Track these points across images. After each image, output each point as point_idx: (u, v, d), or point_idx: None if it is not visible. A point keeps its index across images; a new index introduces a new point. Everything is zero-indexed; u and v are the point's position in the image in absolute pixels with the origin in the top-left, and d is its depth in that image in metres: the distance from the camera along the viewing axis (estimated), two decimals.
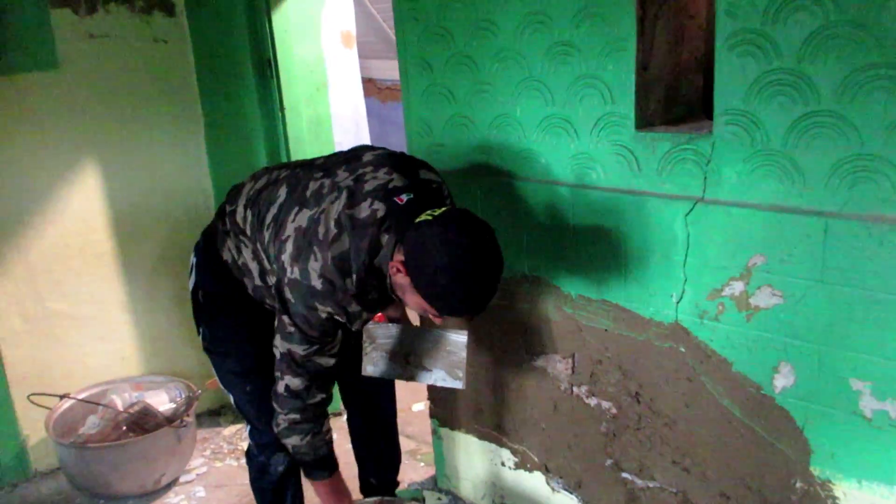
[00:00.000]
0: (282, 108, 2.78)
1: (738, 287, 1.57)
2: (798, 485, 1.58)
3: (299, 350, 1.66)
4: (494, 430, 2.25)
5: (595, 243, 1.81)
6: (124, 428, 2.63)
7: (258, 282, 1.79)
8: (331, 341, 1.68)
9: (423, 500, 1.94)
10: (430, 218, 1.46)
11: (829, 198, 1.40)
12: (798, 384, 1.53)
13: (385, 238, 1.55)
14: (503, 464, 2.26)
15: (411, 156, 1.78)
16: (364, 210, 1.56)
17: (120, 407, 2.61)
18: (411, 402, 3.14)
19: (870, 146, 1.33)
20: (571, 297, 1.90)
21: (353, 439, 2.24)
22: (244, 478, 2.72)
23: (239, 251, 1.81)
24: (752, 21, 1.42)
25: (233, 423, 3.16)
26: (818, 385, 1.50)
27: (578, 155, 1.79)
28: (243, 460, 2.84)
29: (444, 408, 2.40)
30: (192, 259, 1.94)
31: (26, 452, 2.75)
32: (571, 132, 1.79)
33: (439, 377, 1.90)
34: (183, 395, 2.72)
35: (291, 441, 1.78)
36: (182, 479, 2.73)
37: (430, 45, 2.06)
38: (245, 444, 2.97)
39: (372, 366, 1.96)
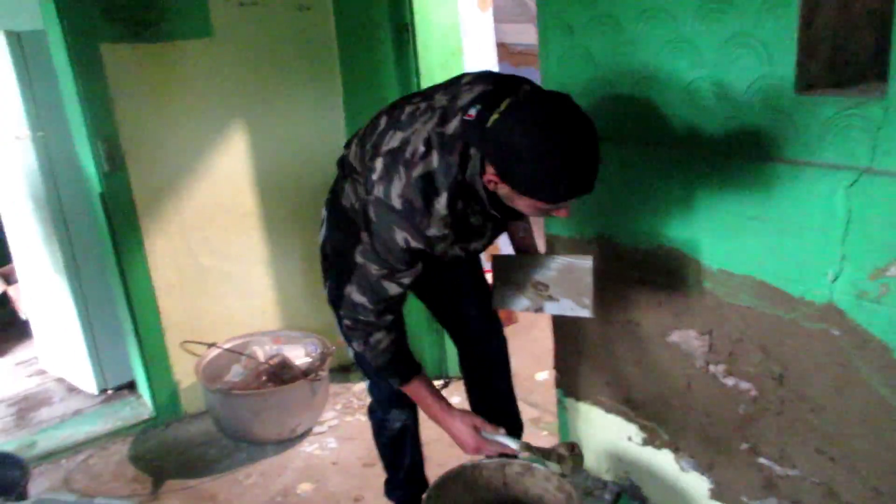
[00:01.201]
0: (417, 73, 2.80)
1: None
2: None
3: (372, 268, 1.64)
4: (622, 404, 2.20)
5: (741, 214, 1.71)
6: (264, 378, 2.79)
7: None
8: (404, 270, 1.64)
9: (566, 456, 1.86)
10: (497, 116, 1.39)
11: None
12: None
13: (473, 151, 1.51)
14: (630, 439, 2.21)
15: (514, 75, 1.70)
16: (453, 125, 1.53)
17: (261, 358, 2.78)
18: (535, 370, 3.13)
19: None
20: (712, 270, 1.81)
21: (472, 406, 2.26)
22: (368, 434, 2.84)
23: (356, 194, 1.80)
24: None
25: (362, 379, 3.24)
26: None
27: (731, 119, 1.68)
28: None
29: (569, 378, 2.37)
30: (323, 213, 1.98)
31: (178, 395, 2.99)
32: (723, 96, 1.68)
33: (567, 306, 1.89)
34: (318, 350, 2.85)
35: (354, 346, 1.79)
36: (315, 430, 2.87)
37: (570, 6, 1.99)
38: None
39: (500, 298, 1.98)
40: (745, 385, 1.82)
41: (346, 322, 1.74)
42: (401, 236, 1.56)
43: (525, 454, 1.76)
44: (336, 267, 1.91)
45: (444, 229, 1.56)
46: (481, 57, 3.45)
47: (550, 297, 1.91)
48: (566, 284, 1.88)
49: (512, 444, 1.75)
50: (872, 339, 1.51)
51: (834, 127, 1.49)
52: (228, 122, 2.91)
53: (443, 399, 1.83)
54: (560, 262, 1.89)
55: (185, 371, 2.93)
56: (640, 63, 1.85)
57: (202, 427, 2.94)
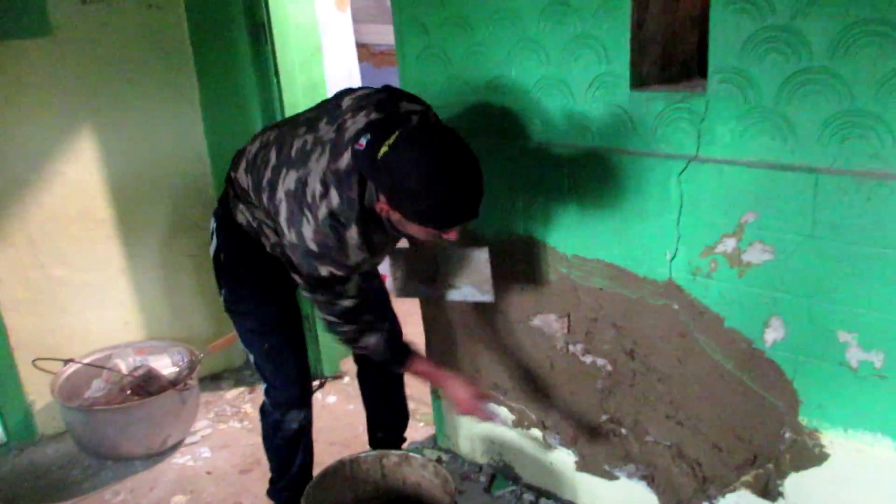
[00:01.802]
0: (276, 73, 2.77)
1: (730, 244, 1.60)
2: (787, 435, 1.63)
3: (320, 298, 1.73)
4: (492, 388, 2.29)
5: (590, 203, 1.84)
6: (129, 391, 2.67)
7: (274, 238, 1.83)
8: (341, 290, 1.72)
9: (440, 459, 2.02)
10: (386, 149, 1.47)
11: (819, 154, 1.42)
12: (788, 337, 1.57)
13: (369, 185, 1.57)
14: (502, 422, 2.31)
15: (393, 88, 1.77)
16: (346, 160, 1.58)
17: (125, 370, 2.66)
18: None
19: (860, 102, 1.35)
20: (567, 257, 1.93)
21: (363, 394, 2.31)
22: (248, 438, 2.79)
23: (252, 213, 1.85)
24: None
25: (234, 386, 3.21)
26: (807, 338, 1.54)
27: (574, 115, 1.80)
28: (246, 422, 2.93)
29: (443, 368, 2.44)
30: (212, 224, 1.99)
31: (32, 416, 2.80)
32: (566, 92, 1.80)
33: (468, 293, 1.99)
34: (185, 359, 2.76)
35: (358, 350, 1.91)
36: (187, 441, 2.78)
37: (424, 8, 2.05)
38: (247, 407, 3.05)
39: (401, 289, 2.03)
40: (601, 361, 1.96)
41: (337, 338, 1.86)
42: (326, 271, 1.65)
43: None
44: (231, 274, 1.96)
45: (361, 254, 1.64)
46: (341, 57, 3.46)
47: (451, 286, 1.99)
48: (466, 273, 1.97)
49: (496, 412, 2.00)
50: (707, 311, 1.68)
51: (665, 120, 1.64)
52: (76, 127, 2.75)
53: (439, 369, 2.02)
54: (458, 252, 1.97)
55: (38, 391, 2.75)
56: (492, 62, 1.94)
57: (62, 449, 2.77)
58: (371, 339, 1.83)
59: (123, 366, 2.68)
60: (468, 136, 1.98)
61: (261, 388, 3.10)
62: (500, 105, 1.96)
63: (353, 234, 1.59)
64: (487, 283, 1.96)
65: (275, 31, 2.72)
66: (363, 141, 1.56)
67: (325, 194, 1.58)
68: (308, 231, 1.60)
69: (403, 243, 1.97)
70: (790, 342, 1.57)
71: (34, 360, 2.57)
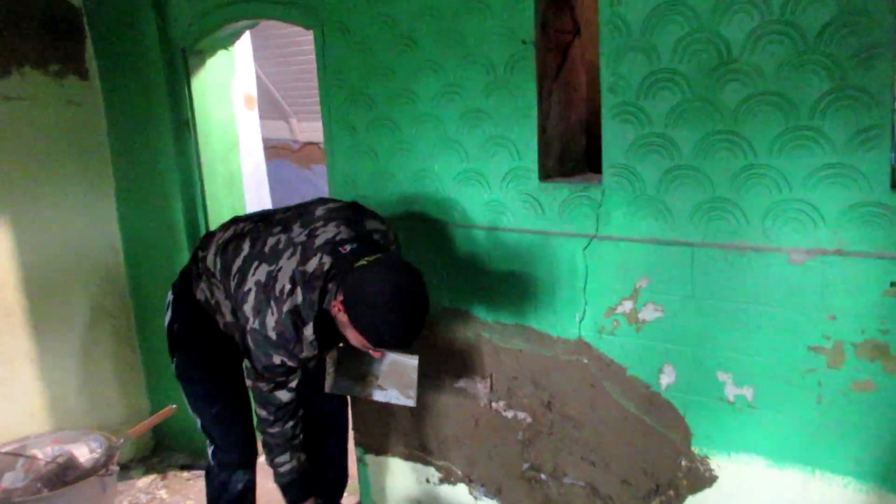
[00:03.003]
0: (199, 166, 2.94)
1: (628, 305, 1.95)
2: (683, 463, 1.95)
3: (262, 386, 1.90)
4: (419, 450, 2.49)
5: (508, 276, 2.14)
6: (38, 485, 2.61)
7: (230, 318, 1.98)
8: (284, 381, 1.91)
9: None
10: (365, 263, 1.73)
11: (693, 232, 1.81)
12: (678, 380, 1.91)
13: (330, 285, 1.80)
14: (428, 480, 2.50)
15: (361, 206, 2.04)
16: (313, 264, 1.81)
17: (43, 459, 2.60)
18: None
19: (720, 191, 1.75)
20: (489, 323, 2.22)
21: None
22: None
23: (212, 292, 2.02)
24: (629, 96, 1.83)
25: (145, 474, 3.18)
26: (693, 379, 1.89)
27: (491, 202, 2.13)
28: None
29: (369, 435, 2.61)
30: (169, 296, 2.13)
31: None
32: (484, 183, 2.13)
33: (393, 396, 2.16)
34: (103, 446, 2.74)
35: (272, 464, 2.02)
36: None
37: (353, 110, 2.34)
38: (162, 493, 3.04)
39: (333, 385, 2.19)
40: (522, 415, 2.23)
41: (263, 438, 1.99)
42: (278, 359, 1.83)
43: None
44: (184, 344, 2.10)
45: (313, 350, 1.84)
46: (251, 150, 3.67)
47: (379, 387, 2.19)
48: (394, 377, 2.17)
49: None
50: (612, 363, 2.01)
51: (569, 206, 1.99)
52: None
53: None
54: (390, 358, 2.17)
55: None
56: (417, 158, 2.24)
57: None
58: (286, 458, 2.00)
59: (41, 455, 2.62)
60: (396, 220, 2.27)
61: (173, 474, 3.13)
62: (424, 194, 2.26)
63: (309, 331, 1.80)
64: (412, 389, 2.16)
65: (199, 128, 2.91)
66: (348, 248, 1.82)
67: (291, 291, 1.79)
68: (271, 321, 1.80)
69: None
70: (680, 384, 1.91)
71: None
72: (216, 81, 2.99)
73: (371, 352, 1.83)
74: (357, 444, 2.66)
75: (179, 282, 2.13)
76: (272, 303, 1.80)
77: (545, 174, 2.06)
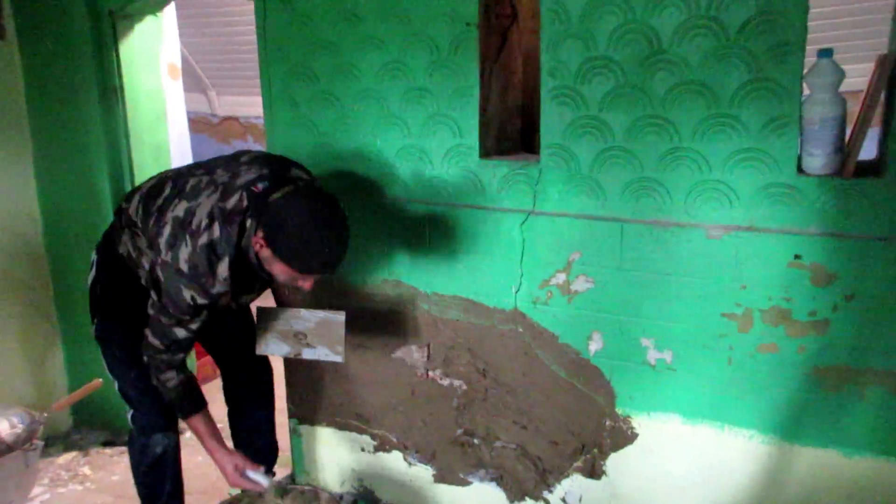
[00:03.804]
0: (127, 135, 2.88)
1: (561, 277, 2.08)
2: (608, 423, 2.12)
3: (162, 319, 1.89)
4: (354, 419, 2.56)
5: (447, 248, 2.24)
6: None
7: (149, 267, 1.96)
8: (189, 319, 1.91)
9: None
10: (279, 195, 1.78)
11: (622, 208, 1.96)
12: (605, 347, 2.07)
13: (248, 223, 1.83)
14: (363, 449, 2.58)
15: (284, 157, 2.07)
16: (233, 202, 1.84)
17: None
18: None
19: (648, 171, 1.90)
20: (427, 294, 2.31)
21: (232, 432, 2.43)
22: (93, 498, 2.76)
23: (134, 244, 2.00)
24: (567, 80, 1.95)
25: (65, 451, 3.10)
26: (619, 345, 2.05)
27: (433, 178, 2.21)
28: (88, 483, 2.89)
29: (302, 406, 2.66)
30: (93, 256, 2.11)
31: None
32: (426, 160, 2.21)
33: (322, 353, 2.22)
34: (25, 422, 2.66)
35: (152, 380, 2.00)
36: None
37: (295, 84, 2.36)
38: (85, 469, 2.98)
39: (264, 346, 2.23)
40: (457, 382, 2.33)
41: (146, 359, 1.95)
42: (188, 294, 1.82)
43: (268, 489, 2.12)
44: (105, 304, 2.08)
45: (225, 287, 1.85)
46: (175, 121, 3.60)
47: (308, 345, 2.23)
48: (322, 334, 2.22)
49: (263, 482, 2.07)
50: (545, 331, 2.14)
51: (508, 182, 2.10)
52: None
53: (218, 436, 2.08)
54: (318, 315, 2.22)
55: None
56: (360, 133, 2.29)
57: None
58: (170, 375, 1.98)
59: None
60: (337, 193, 2.31)
61: (95, 451, 3.08)
62: (366, 169, 2.31)
63: (223, 266, 1.82)
64: (340, 345, 2.22)
65: (127, 96, 2.84)
66: (260, 186, 1.84)
67: (209, 226, 1.81)
68: (184, 253, 1.81)
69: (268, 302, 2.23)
70: (607, 350, 2.07)
71: None
72: (144, 48, 2.92)
73: (300, 283, 1.85)
74: (291, 415, 2.70)
75: (103, 240, 2.12)
76: (187, 236, 1.81)
77: (485, 152, 2.16)
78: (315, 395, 2.62)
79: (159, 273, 1.84)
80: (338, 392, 2.56)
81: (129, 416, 2.19)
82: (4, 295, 2.99)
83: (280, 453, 2.83)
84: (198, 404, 2.04)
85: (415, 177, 2.24)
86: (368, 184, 2.32)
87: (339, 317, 2.21)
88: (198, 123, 5.76)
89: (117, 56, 2.79)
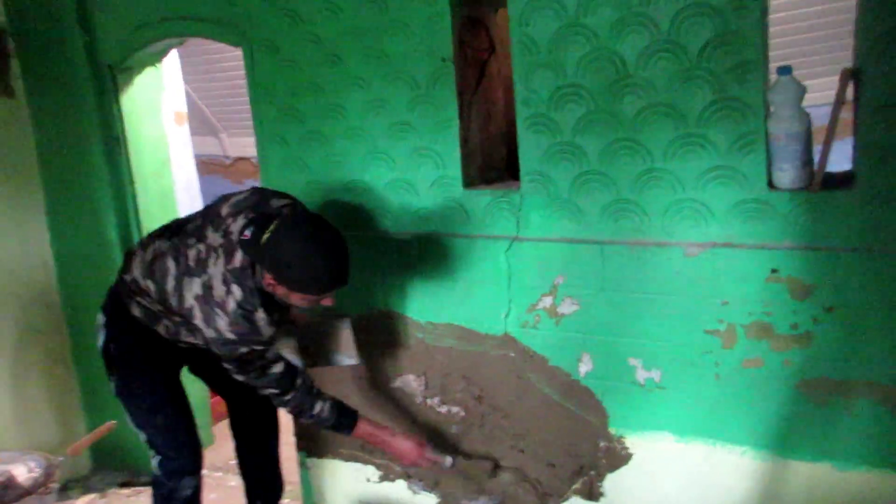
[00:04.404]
0: (132, 182, 2.98)
1: (548, 301, 2.11)
2: (602, 444, 2.12)
3: (252, 374, 1.98)
4: (359, 450, 2.59)
5: (437, 277, 2.28)
6: None
7: (177, 318, 2.04)
8: (264, 362, 1.98)
9: None
10: (268, 234, 1.84)
11: (602, 230, 1.99)
12: (595, 368, 2.08)
13: (257, 269, 1.90)
14: (368, 479, 2.61)
15: (262, 189, 2.12)
16: (238, 259, 1.91)
17: None
18: None
19: (624, 193, 1.94)
20: (421, 323, 2.35)
21: (240, 467, 2.48)
22: None
23: (150, 309, 2.08)
24: (540, 108, 2.00)
25: (83, 493, 3.17)
26: (608, 366, 2.06)
27: (420, 209, 2.26)
28: None
29: (309, 439, 2.70)
30: (100, 319, 2.16)
31: None
32: (413, 192, 2.27)
33: (337, 359, 2.29)
34: (42, 465, 2.74)
35: (312, 419, 2.09)
36: None
37: (285, 124, 2.44)
38: None
39: None
40: (455, 409, 2.36)
41: (291, 412, 2.10)
42: (247, 349, 1.93)
43: (451, 466, 2.21)
44: (122, 362, 2.15)
45: (271, 329, 1.95)
46: (182, 166, 3.71)
47: (322, 356, 2.31)
48: (333, 342, 2.30)
49: (447, 461, 2.19)
50: (535, 354, 2.16)
51: (492, 210, 2.15)
52: None
53: (389, 429, 2.22)
54: (323, 325, 2.29)
55: None
56: (348, 169, 2.36)
57: None
58: (318, 406, 2.07)
59: None
60: None
61: (113, 492, 3.15)
62: (356, 203, 2.37)
63: (260, 315, 1.91)
64: (352, 348, 2.29)
65: (130, 144, 2.95)
66: (248, 233, 1.91)
67: (228, 291, 1.89)
68: (223, 324, 1.89)
69: None
70: (597, 371, 2.08)
71: None
72: (145, 98, 3.04)
73: (323, 302, 1.92)
74: (299, 448, 2.74)
75: (110, 303, 2.17)
76: (217, 309, 1.89)
77: (468, 182, 2.21)
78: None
79: (213, 349, 1.94)
80: None
81: (154, 462, 2.23)
82: (23, 343, 3.09)
83: (290, 487, 2.87)
84: (355, 413, 2.14)
85: (403, 208, 2.30)
86: (359, 217, 2.38)
87: (345, 322, 2.28)
88: (211, 165, 5.91)
89: (119, 107, 2.90)
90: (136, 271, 2.08)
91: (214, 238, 1.97)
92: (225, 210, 2.02)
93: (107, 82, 2.88)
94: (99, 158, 2.94)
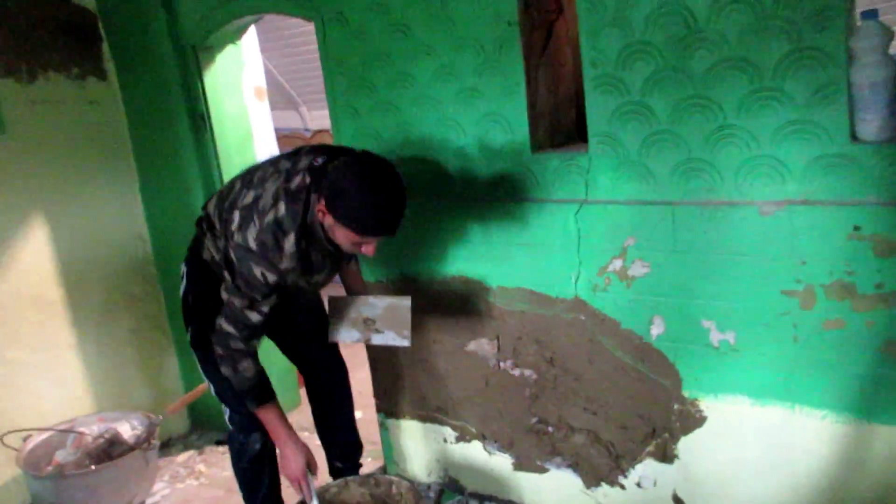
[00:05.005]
0: (216, 157, 3.11)
1: (618, 263, 2.09)
2: (676, 407, 2.11)
3: (236, 302, 2.00)
4: (435, 412, 2.66)
5: (507, 243, 2.30)
6: (93, 457, 2.82)
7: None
8: (262, 300, 2.01)
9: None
10: (336, 162, 1.89)
11: (672, 191, 1.95)
12: (667, 330, 2.06)
13: (313, 198, 1.94)
14: (445, 440, 2.68)
15: (342, 147, 2.19)
16: (296, 181, 1.97)
17: (92, 435, 2.82)
18: None
19: (695, 153, 1.89)
20: (493, 288, 2.37)
21: (318, 430, 2.60)
22: (207, 492, 3.01)
23: (216, 246, 2.15)
24: (608, 68, 1.96)
25: (183, 450, 3.39)
26: (681, 328, 2.04)
27: (489, 175, 2.28)
28: (203, 479, 3.14)
29: (388, 401, 2.79)
30: (182, 268, 2.28)
31: None
32: (482, 157, 2.28)
33: (389, 337, 2.32)
34: (144, 424, 2.95)
35: (224, 371, 2.07)
36: (149, 502, 2.95)
37: (356, 96, 2.50)
38: (201, 466, 3.25)
39: (335, 333, 2.37)
40: (528, 372, 2.39)
41: (219, 350, 2.05)
42: (258, 271, 1.95)
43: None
44: (197, 312, 2.23)
45: (292, 262, 1.97)
46: (263, 140, 3.84)
47: (377, 331, 2.35)
48: (389, 320, 2.33)
49: (313, 498, 2.10)
50: (606, 318, 2.16)
51: (560, 174, 2.14)
52: (28, 215, 2.97)
53: (289, 426, 2.16)
54: (384, 301, 2.34)
55: None
56: (417, 137, 2.39)
57: None
58: (246, 364, 2.05)
59: (88, 432, 2.84)
60: None
61: (209, 449, 3.34)
62: (426, 171, 2.41)
63: (290, 242, 1.94)
64: (407, 329, 2.31)
65: (213, 120, 3.08)
66: (319, 160, 1.98)
67: (273, 205, 1.95)
68: (253, 232, 1.94)
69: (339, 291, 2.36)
70: (669, 334, 2.06)
71: (2, 435, 2.69)
72: (227, 75, 3.15)
73: (363, 249, 1.93)
74: (378, 409, 2.84)
75: (189, 252, 2.29)
76: (255, 217, 1.94)
77: (537, 146, 2.20)
78: (398, 389, 2.74)
79: (232, 255, 1.98)
80: (418, 386, 2.68)
81: (226, 417, 2.37)
82: (122, 310, 3.31)
83: (371, 446, 2.98)
84: (272, 394, 2.13)
85: (472, 174, 2.31)
86: (430, 184, 2.41)
87: (405, 301, 2.31)
88: (292, 139, 6.07)
89: (202, 85, 3.03)
90: (211, 205, 2.19)
91: (285, 164, 2.05)
92: (305, 149, 2.11)
93: (190, 61, 3.00)
94: (186, 135, 3.09)
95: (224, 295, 2.03)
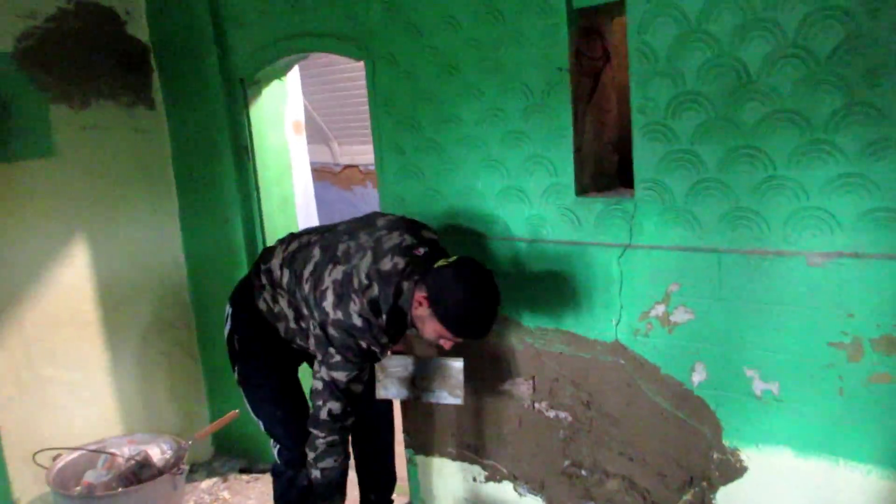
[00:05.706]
0: (257, 188, 3.17)
1: (660, 309, 2.10)
2: (715, 456, 2.09)
3: (342, 377, 2.05)
4: (466, 450, 2.65)
5: (549, 284, 2.31)
6: (123, 479, 2.82)
7: (293, 325, 2.18)
8: (365, 368, 2.10)
9: None
10: (445, 263, 1.95)
11: (719, 238, 1.97)
12: (709, 378, 2.06)
13: (405, 285, 2.00)
14: (475, 479, 2.66)
15: (413, 219, 2.25)
16: (387, 264, 2.02)
17: (124, 457, 2.83)
18: None
19: (743, 201, 1.91)
20: (531, 328, 2.38)
21: (356, 462, 2.60)
22: None
23: (275, 301, 2.21)
24: (657, 116, 2.00)
25: (207, 477, 3.39)
26: (723, 376, 2.03)
27: (532, 216, 2.31)
28: None
29: (418, 437, 2.79)
30: (228, 309, 2.31)
31: None
32: (525, 199, 2.31)
33: (442, 396, 2.35)
34: (173, 448, 2.95)
35: (325, 464, 2.13)
36: None
37: (402, 134, 2.55)
38: (225, 493, 3.24)
39: (384, 390, 2.39)
40: (563, 414, 2.38)
41: (331, 438, 2.11)
42: (364, 343, 2.03)
43: None
44: (244, 352, 2.30)
45: (386, 337, 2.06)
46: (300, 173, 3.91)
47: (428, 390, 2.39)
48: (441, 379, 2.38)
49: None
50: (646, 363, 2.16)
51: (604, 218, 2.16)
52: (70, 236, 3.03)
53: None
54: (437, 362, 2.38)
55: (24, 487, 2.86)
56: (461, 176, 2.43)
57: None
58: (330, 462, 2.12)
59: (120, 454, 2.85)
60: (443, 235, 2.46)
61: (233, 477, 3.34)
62: (469, 210, 2.44)
63: (382, 322, 2.02)
64: (460, 388, 2.36)
65: (256, 153, 3.15)
66: (422, 251, 2.05)
67: (368, 286, 2.01)
68: (355, 309, 2.01)
69: None
70: (711, 381, 2.06)
71: (35, 453, 2.71)
72: (271, 109, 3.23)
73: (443, 342, 2.03)
74: (407, 446, 2.83)
75: (238, 294, 2.34)
76: (353, 295, 2.01)
77: (581, 189, 2.24)
78: (429, 426, 2.74)
79: (331, 331, 2.03)
80: (450, 424, 2.67)
81: (275, 451, 2.39)
82: (155, 334, 3.34)
83: (398, 482, 2.96)
84: (343, 494, 2.22)
85: (515, 216, 2.35)
86: (472, 224, 2.44)
87: (458, 363, 2.34)
88: (321, 172, 6.16)
89: (248, 118, 3.10)
90: (275, 261, 2.23)
91: (366, 240, 2.10)
92: (380, 222, 2.17)
93: (238, 95, 3.08)
94: (229, 166, 3.15)
95: (322, 375, 2.07)
